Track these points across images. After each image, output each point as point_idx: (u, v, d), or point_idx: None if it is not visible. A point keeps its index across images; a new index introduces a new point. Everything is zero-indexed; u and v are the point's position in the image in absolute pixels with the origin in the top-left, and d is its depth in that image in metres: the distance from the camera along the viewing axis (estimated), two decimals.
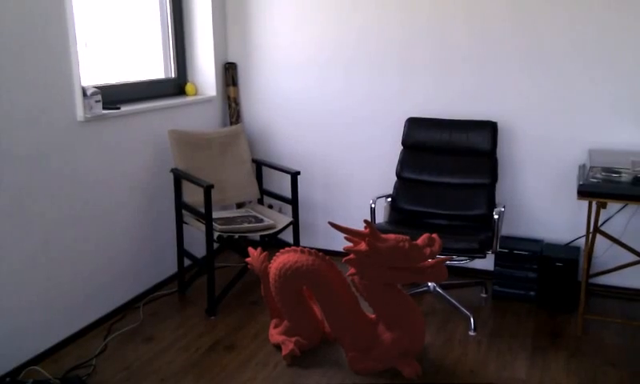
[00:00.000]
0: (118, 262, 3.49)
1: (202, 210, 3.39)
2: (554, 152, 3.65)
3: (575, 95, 3.54)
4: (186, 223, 3.70)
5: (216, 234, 3.40)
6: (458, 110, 3.81)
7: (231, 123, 4.37)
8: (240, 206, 4.31)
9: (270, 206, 4.24)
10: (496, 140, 3.61)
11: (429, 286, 3.61)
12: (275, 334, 2.94)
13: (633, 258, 3.52)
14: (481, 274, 3.95)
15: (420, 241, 2.58)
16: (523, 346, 3.11)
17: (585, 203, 3.61)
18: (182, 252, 3.76)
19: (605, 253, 3.65)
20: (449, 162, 3.68)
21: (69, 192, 3.10)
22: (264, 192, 4.10)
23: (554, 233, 3.75)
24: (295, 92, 4.23)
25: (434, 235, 2.60)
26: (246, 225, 3.56)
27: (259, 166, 4.10)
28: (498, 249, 3.48)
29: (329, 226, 4.29)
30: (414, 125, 3.78)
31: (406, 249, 2.53)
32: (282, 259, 2.74)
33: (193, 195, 3.64)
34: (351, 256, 2.56)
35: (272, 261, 2.81)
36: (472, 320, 3.27)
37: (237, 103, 4.40)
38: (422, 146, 3.75)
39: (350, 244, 2.65)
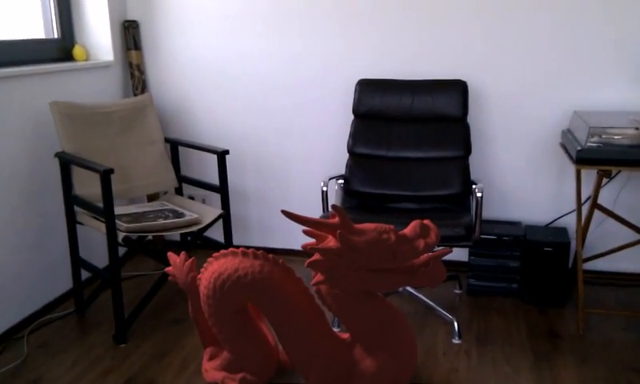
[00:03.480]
0: None
1: (100, 204, 2.54)
2: (530, 117, 3.07)
3: (554, 49, 2.97)
4: (80, 223, 2.82)
5: (121, 236, 2.56)
6: (414, 71, 3.14)
7: (135, 95, 3.50)
8: (153, 198, 3.47)
9: (192, 197, 3.41)
10: (467, 103, 2.98)
11: None
12: (211, 370, 2.15)
13: (630, 236, 3.00)
14: (452, 266, 3.32)
15: (409, 230, 1.89)
16: (521, 352, 2.51)
17: (569, 175, 3.06)
18: (77, 261, 2.88)
19: (593, 232, 3.12)
20: (412, 133, 3.01)
21: None
22: (182, 179, 3.27)
23: (532, 212, 3.18)
24: (214, 55, 3.42)
25: (427, 221, 1.91)
26: (161, 221, 2.73)
27: (175, 146, 3.26)
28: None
29: (263, 219, 3.56)
30: (366, 88, 3.08)
31: (392, 242, 1.83)
32: (217, 266, 1.96)
33: (87, 186, 2.78)
34: (317, 257, 1.83)
35: (202, 269, 2.03)
36: (456, 324, 2.63)
37: (141, 71, 3.53)
38: (377, 113, 3.06)
39: (311, 240, 1.91)
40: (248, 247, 2.02)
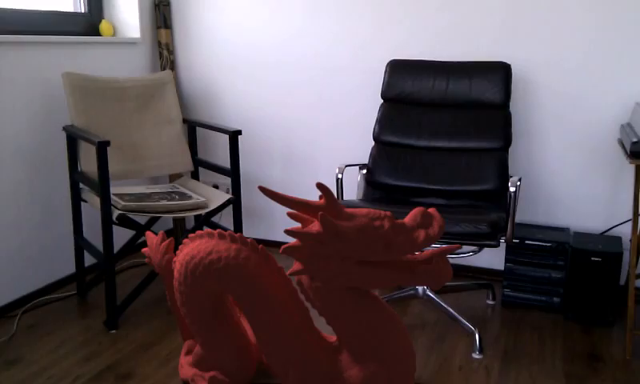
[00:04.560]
0: None
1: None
2: (584, 108, 2.70)
3: (615, 31, 2.59)
4: (85, 201, 2.68)
5: (116, 213, 2.39)
6: (451, 52, 2.83)
7: None
8: (173, 180, 3.31)
9: (216, 186, 3.22)
10: (509, 88, 2.64)
11: (416, 289, 2.62)
12: (186, 365, 1.93)
13: None
14: (485, 274, 2.97)
15: (409, 219, 1.60)
16: (552, 374, 2.15)
17: (628, 176, 2.67)
18: (80, 242, 2.74)
19: None
20: (446, 120, 2.71)
21: None
22: (199, 162, 3.08)
23: (584, 219, 2.80)
24: (244, 38, 3.22)
25: (432, 210, 1.62)
26: (164, 202, 2.55)
27: (192, 128, 3.08)
28: (513, 239, 2.51)
29: (289, 214, 3.32)
30: (397, 70, 2.79)
31: (385, 231, 1.55)
32: (191, 249, 1.74)
33: (92, 162, 2.62)
34: (295, 242, 1.57)
35: (178, 252, 1.82)
36: (477, 337, 2.30)
37: (170, 50, 3.38)
38: (408, 98, 2.77)
39: (296, 224, 1.66)
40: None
